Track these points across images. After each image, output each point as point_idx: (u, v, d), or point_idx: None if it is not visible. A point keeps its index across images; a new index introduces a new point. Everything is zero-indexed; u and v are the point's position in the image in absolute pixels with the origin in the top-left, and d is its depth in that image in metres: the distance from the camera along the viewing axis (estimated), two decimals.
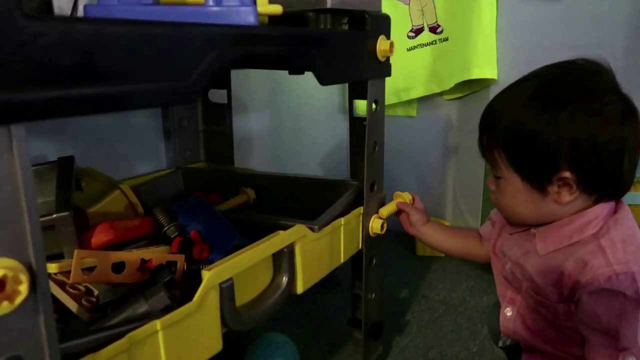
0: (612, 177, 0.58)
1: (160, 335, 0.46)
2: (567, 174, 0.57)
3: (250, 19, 0.52)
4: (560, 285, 0.58)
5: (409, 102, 1.38)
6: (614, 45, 1.03)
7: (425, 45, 1.29)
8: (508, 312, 0.68)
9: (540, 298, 0.62)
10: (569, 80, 0.59)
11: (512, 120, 0.60)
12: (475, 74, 1.18)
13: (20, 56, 0.33)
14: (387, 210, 0.81)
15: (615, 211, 0.60)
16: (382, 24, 0.73)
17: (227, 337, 0.55)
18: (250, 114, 1.27)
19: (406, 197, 0.83)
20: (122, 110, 0.39)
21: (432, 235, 0.82)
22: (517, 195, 0.61)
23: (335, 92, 1.43)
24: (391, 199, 0.85)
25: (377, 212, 0.80)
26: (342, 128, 0.93)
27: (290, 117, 1.40)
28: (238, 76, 1.08)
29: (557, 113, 0.56)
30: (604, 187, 0.59)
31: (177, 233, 0.68)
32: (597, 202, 0.60)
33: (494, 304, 0.80)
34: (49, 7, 0.56)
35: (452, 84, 1.24)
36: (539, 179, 0.59)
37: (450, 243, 0.82)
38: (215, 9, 0.52)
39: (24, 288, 0.33)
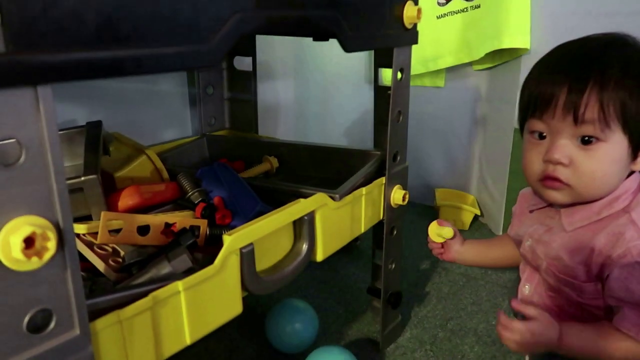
0: None
1: (182, 296, 0.47)
2: None
3: None
4: (590, 262, 0.57)
5: (437, 72, 1.35)
6: None
7: (456, 13, 1.25)
8: (526, 289, 0.67)
9: (565, 277, 0.60)
10: None
11: None
12: (507, 43, 1.14)
13: (46, 17, 0.33)
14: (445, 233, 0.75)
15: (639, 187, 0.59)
16: None
17: (248, 302, 0.56)
18: (275, 82, 1.26)
19: (449, 233, 0.75)
20: (144, 74, 0.39)
21: (471, 253, 0.77)
22: (616, 162, 0.55)
23: (362, 61, 1.41)
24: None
25: (399, 183, 0.80)
26: (368, 97, 0.92)
27: (315, 86, 1.39)
28: (264, 44, 1.07)
29: None
30: None
31: (200, 199, 0.69)
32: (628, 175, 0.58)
33: (516, 277, 0.79)
34: None
35: (482, 54, 1.21)
36: None
37: (490, 256, 0.77)
38: None
39: (52, 245, 0.35)
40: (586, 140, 0.54)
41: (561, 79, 0.55)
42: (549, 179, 0.57)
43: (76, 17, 0.35)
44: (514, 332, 0.55)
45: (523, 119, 0.62)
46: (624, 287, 0.54)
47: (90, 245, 0.56)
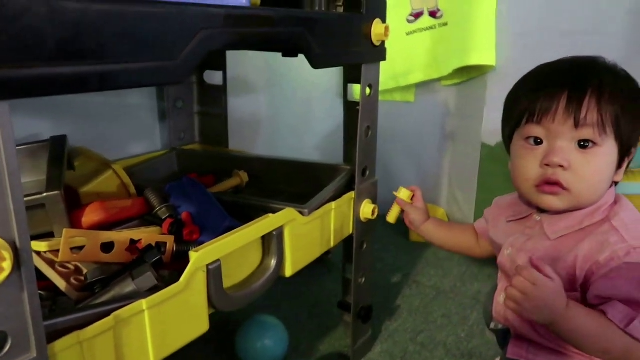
0: None
1: (146, 315, 0.47)
2: (633, 149, 0.58)
3: (242, 0, 0.51)
4: (574, 270, 0.58)
5: (407, 88, 1.37)
6: (613, 32, 1.02)
7: (425, 30, 1.28)
8: (501, 298, 0.68)
9: None
10: None
11: (631, 79, 0.58)
12: (474, 60, 1.16)
13: (6, 32, 0.33)
14: (393, 216, 0.81)
15: (615, 201, 0.61)
16: (378, 7, 0.72)
17: (218, 318, 0.55)
18: (247, 96, 1.26)
19: (405, 194, 0.80)
20: (108, 90, 0.39)
21: (432, 234, 0.81)
22: (609, 166, 0.58)
23: (334, 76, 1.42)
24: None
25: (369, 197, 0.80)
26: (340, 112, 0.93)
27: (287, 100, 1.40)
28: (235, 58, 1.07)
29: None
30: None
31: (168, 214, 0.68)
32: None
33: (492, 287, 0.80)
34: None
35: (450, 70, 1.23)
36: (628, 150, 0.58)
37: (450, 241, 0.81)
38: None
39: (7, 265, 0.34)
40: (583, 145, 0.57)
41: (559, 87, 0.57)
42: (547, 185, 0.58)
43: (37, 33, 0.34)
44: (532, 280, 0.52)
45: (512, 130, 0.63)
46: (611, 285, 0.55)
47: (51, 264, 0.54)
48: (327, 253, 0.78)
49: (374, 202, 0.81)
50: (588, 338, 0.54)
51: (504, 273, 0.69)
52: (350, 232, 0.79)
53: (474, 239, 0.80)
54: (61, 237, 0.54)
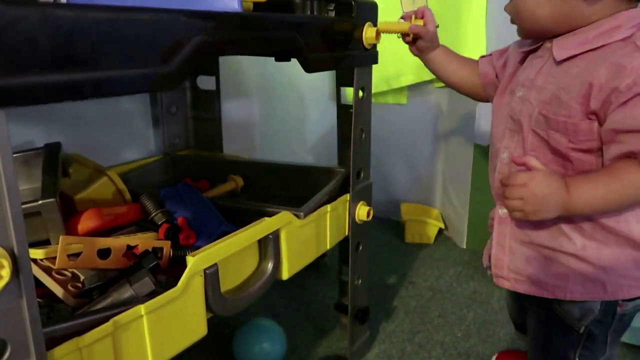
0: None
1: (144, 320, 0.47)
2: None
3: (234, 5, 0.52)
4: (588, 98, 0.53)
5: (400, 90, 1.38)
6: None
7: None
8: (505, 156, 0.64)
9: (558, 118, 0.56)
10: None
11: None
12: None
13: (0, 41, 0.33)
14: (396, 27, 0.75)
15: None
16: (369, 11, 0.73)
17: (215, 323, 0.56)
18: (240, 100, 1.26)
19: (418, 22, 0.74)
20: (102, 97, 0.39)
21: (440, 62, 0.77)
22: None
23: (326, 80, 1.43)
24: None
25: (363, 199, 0.81)
26: (333, 115, 0.94)
27: (280, 104, 1.40)
28: (228, 63, 1.07)
29: None
30: None
31: (164, 219, 0.68)
32: (631, 7, 0.54)
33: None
34: None
35: None
36: None
37: (457, 73, 0.77)
38: None
39: (6, 273, 0.34)
40: None
41: None
42: None
43: (31, 41, 0.34)
44: (521, 183, 0.51)
45: None
46: (630, 116, 0.51)
47: (48, 271, 0.54)
48: (323, 256, 0.78)
49: (368, 204, 0.82)
50: (602, 203, 0.52)
51: (508, 126, 0.64)
52: (346, 234, 0.80)
53: (474, 71, 0.76)
54: (57, 244, 0.54)
